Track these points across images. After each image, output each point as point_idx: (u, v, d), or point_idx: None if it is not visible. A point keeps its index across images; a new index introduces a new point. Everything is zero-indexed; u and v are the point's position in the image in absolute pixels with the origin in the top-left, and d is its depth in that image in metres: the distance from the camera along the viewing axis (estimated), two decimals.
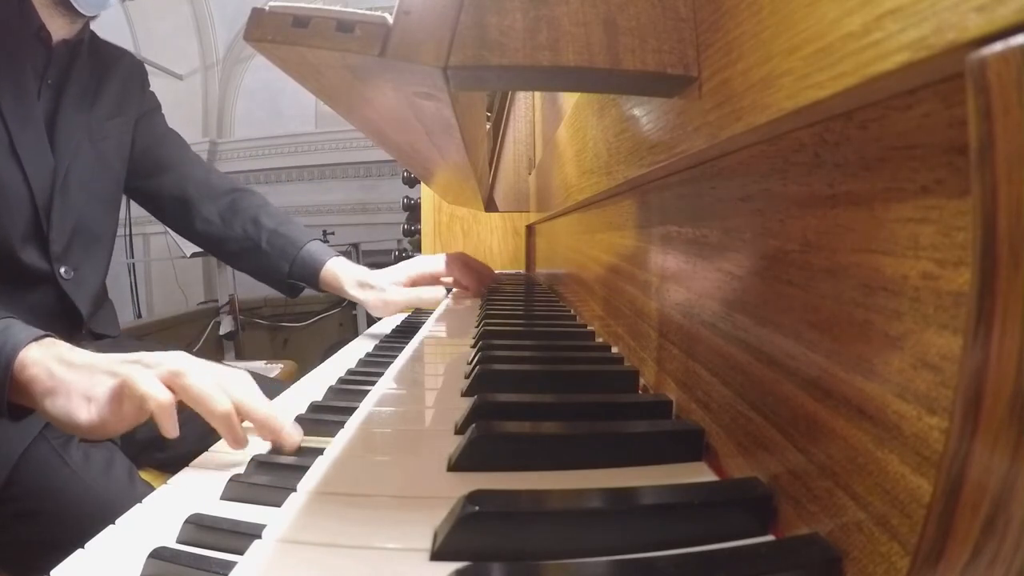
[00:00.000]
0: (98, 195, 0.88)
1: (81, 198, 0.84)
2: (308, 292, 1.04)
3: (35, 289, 0.80)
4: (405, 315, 1.29)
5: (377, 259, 1.02)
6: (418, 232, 1.73)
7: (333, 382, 0.69)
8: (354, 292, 0.96)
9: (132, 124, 0.95)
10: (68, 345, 0.53)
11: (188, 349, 0.54)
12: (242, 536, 0.34)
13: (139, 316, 3.74)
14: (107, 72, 0.90)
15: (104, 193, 0.90)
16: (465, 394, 0.48)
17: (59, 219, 0.81)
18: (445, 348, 0.70)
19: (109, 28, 0.90)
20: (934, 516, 0.16)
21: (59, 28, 0.82)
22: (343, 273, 0.97)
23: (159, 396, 0.45)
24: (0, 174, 0.75)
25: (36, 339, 0.52)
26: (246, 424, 0.47)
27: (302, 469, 0.34)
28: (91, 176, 0.86)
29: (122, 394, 0.47)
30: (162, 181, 0.99)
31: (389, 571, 0.23)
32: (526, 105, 1.61)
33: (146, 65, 1.04)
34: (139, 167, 0.97)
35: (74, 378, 0.49)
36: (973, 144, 0.14)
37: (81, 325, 0.87)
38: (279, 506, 0.30)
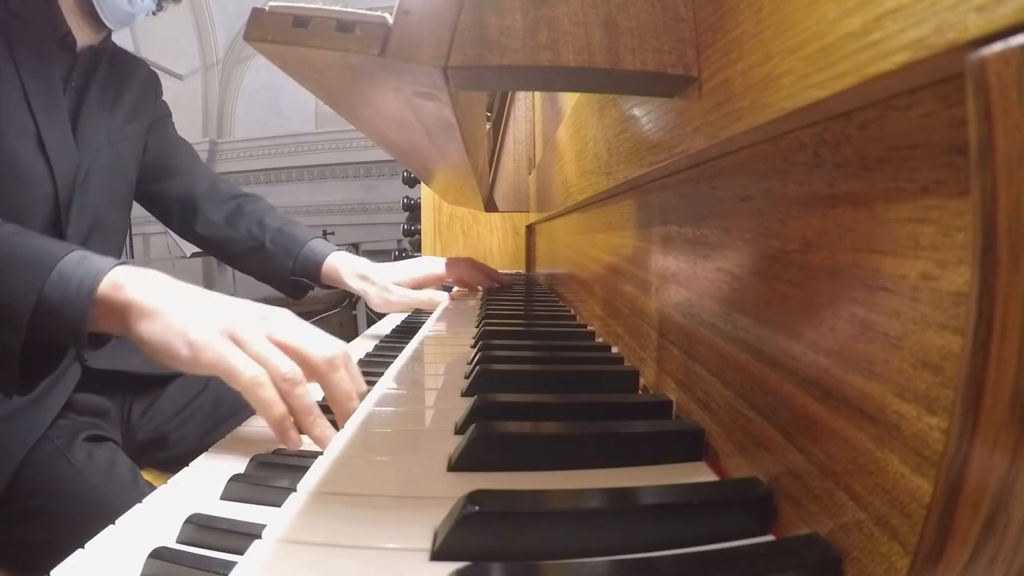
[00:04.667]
0: (114, 195, 0.90)
1: (99, 197, 0.86)
2: (309, 293, 1.05)
3: None
4: (405, 315, 1.29)
5: (377, 259, 1.02)
6: (418, 232, 1.73)
7: None
8: (353, 283, 0.98)
9: (145, 130, 0.97)
10: (154, 272, 0.54)
11: None
12: (242, 536, 0.34)
13: None
14: (125, 80, 0.92)
15: (119, 194, 0.91)
16: (465, 394, 0.48)
17: (77, 216, 0.82)
18: (445, 348, 0.70)
19: None
20: (934, 516, 0.16)
21: (84, 36, 0.84)
22: (343, 265, 0.99)
23: (270, 409, 0.47)
24: (27, 165, 0.76)
25: (120, 263, 0.53)
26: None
27: (302, 469, 0.34)
28: (109, 176, 0.87)
29: (221, 371, 0.47)
30: (170, 185, 1.01)
31: (389, 571, 0.23)
32: (526, 105, 1.61)
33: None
34: (149, 172, 0.99)
35: (177, 311, 0.49)
36: (973, 144, 0.14)
37: None
38: (279, 506, 0.30)
